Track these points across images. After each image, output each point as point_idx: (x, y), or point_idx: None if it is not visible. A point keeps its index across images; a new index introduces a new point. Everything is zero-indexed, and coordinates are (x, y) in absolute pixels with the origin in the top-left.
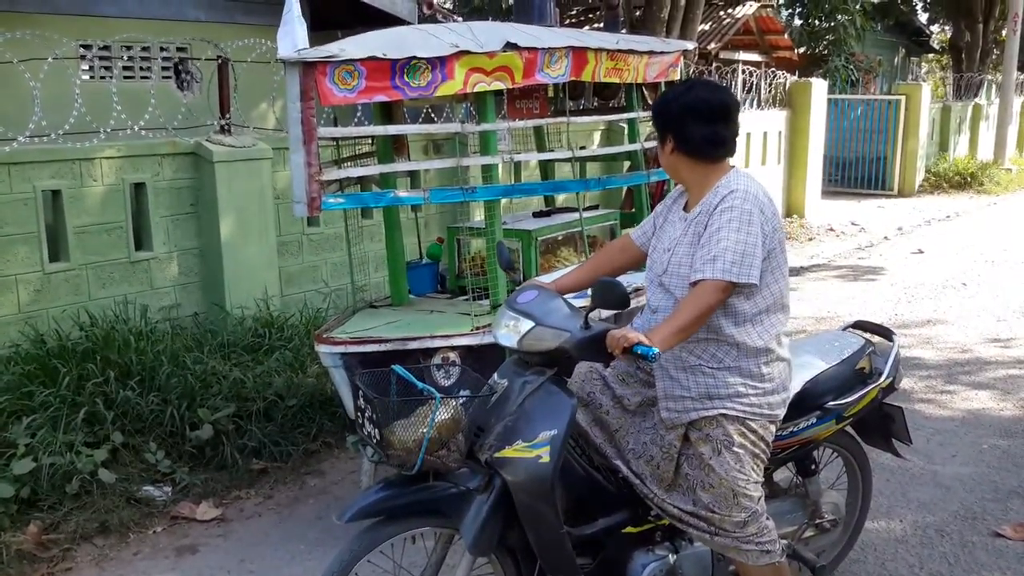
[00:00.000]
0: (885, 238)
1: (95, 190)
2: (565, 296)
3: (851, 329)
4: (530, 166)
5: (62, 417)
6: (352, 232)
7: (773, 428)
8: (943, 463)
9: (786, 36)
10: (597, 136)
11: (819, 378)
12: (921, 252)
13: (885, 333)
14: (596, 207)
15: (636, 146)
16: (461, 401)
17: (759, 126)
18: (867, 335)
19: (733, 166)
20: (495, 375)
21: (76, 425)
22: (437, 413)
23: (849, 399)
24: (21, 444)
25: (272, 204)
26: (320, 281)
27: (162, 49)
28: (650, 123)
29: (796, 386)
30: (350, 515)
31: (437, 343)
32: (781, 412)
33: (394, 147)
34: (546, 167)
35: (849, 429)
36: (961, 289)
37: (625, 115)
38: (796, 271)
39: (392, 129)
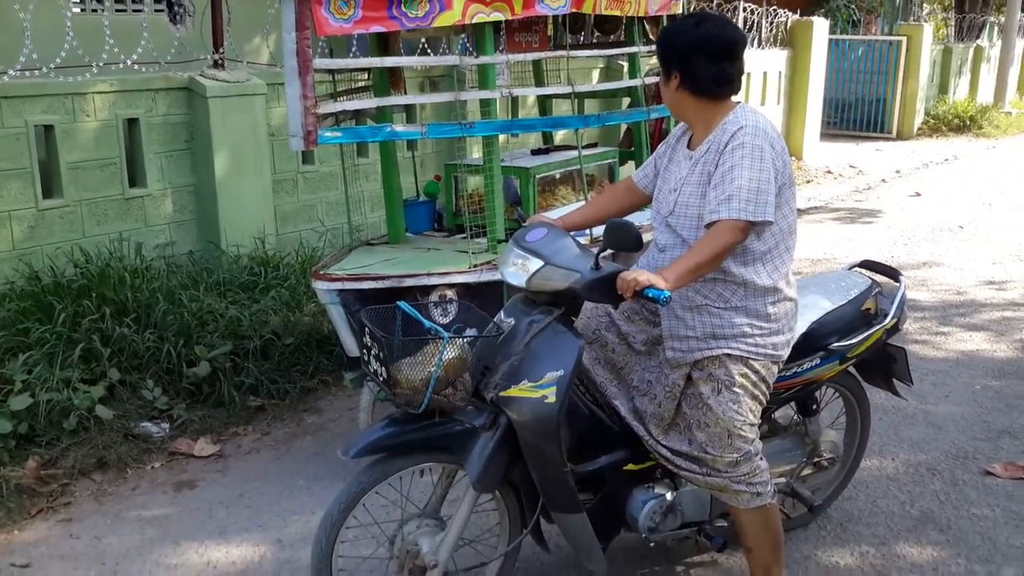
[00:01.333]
0: (883, 181)
1: (88, 125)
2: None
3: (857, 269)
4: (528, 103)
5: (58, 354)
6: (348, 170)
7: (775, 369)
8: (936, 403)
9: None
10: (596, 74)
11: (824, 319)
12: (918, 195)
13: (892, 273)
14: (595, 145)
15: (636, 82)
16: (468, 340)
17: (759, 65)
18: (874, 275)
19: (739, 102)
20: (501, 313)
21: (73, 362)
22: (445, 353)
23: (854, 340)
24: (18, 380)
25: (267, 141)
26: (316, 220)
27: None
28: (651, 58)
29: (801, 327)
30: (356, 451)
31: (434, 280)
32: (785, 353)
33: (390, 81)
34: (544, 104)
35: (851, 369)
36: (958, 232)
37: (626, 50)
38: None
39: (389, 61)
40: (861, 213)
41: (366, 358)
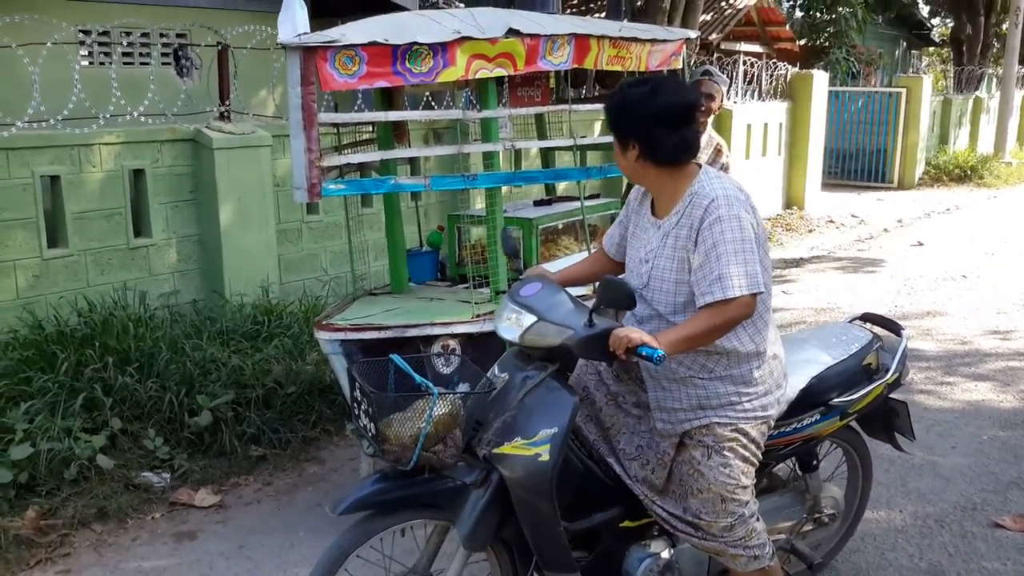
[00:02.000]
0: (885, 230)
1: (94, 176)
2: (568, 289)
3: (858, 322)
4: (531, 155)
5: (60, 403)
6: (352, 220)
7: (766, 428)
8: (943, 454)
9: (787, 27)
10: (598, 126)
11: (824, 375)
12: (921, 244)
13: (893, 327)
14: (597, 196)
15: None
16: (459, 396)
17: (760, 117)
18: (875, 328)
19: (700, 165)
20: (495, 368)
21: (74, 411)
22: (435, 409)
23: (854, 396)
24: (19, 429)
25: (271, 191)
26: (319, 269)
27: (162, 35)
28: None
29: (801, 382)
30: (344, 507)
31: (437, 331)
32: (774, 412)
33: (395, 134)
34: (547, 156)
35: (853, 423)
36: (961, 281)
37: None
38: (796, 262)
39: (393, 115)
40: (864, 262)
41: (356, 412)
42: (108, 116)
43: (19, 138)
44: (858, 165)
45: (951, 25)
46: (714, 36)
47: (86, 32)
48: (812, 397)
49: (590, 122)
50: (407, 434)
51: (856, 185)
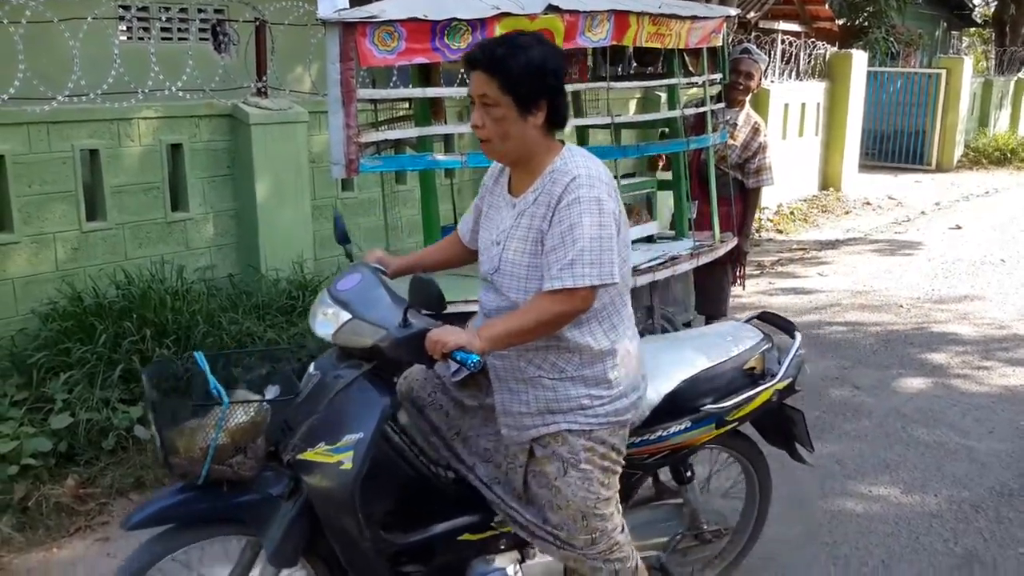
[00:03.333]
0: (922, 213)
1: (132, 150)
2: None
3: (755, 321)
4: (565, 132)
5: (99, 374)
6: (387, 197)
7: (624, 432)
8: (979, 439)
9: (826, 7)
10: (632, 104)
11: (697, 378)
12: (959, 228)
13: (788, 328)
14: (632, 175)
15: (676, 113)
16: (263, 403)
17: (797, 97)
18: (770, 329)
19: (562, 141)
20: (311, 366)
21: (112, 382)
22: (225, 420)
23: (731, 402)
24: (59, 399)
25: (307, 167)
26: (354, 245)
27: (200, 10)
28: (689, 89)
29: (667, 387)
30: (134, 522)
31: (472, 307)
32: (631, 415)
33: (432, 111)
34: (582, 134)
35: (748, 431)
36: (999, 265)
37: (667, 81)
38: (832, 244)
39: (431, 92)
40: (900, 245)
41: (148, 418)
42: (147, 91)
43: (59, 112)
44: (896, 147)
45: (993, 6)
46: (752, 14)
47: (125, 7)
48: (681, 402)
49: (624, 101)
50: (197, 446)
51: (894, 167)
